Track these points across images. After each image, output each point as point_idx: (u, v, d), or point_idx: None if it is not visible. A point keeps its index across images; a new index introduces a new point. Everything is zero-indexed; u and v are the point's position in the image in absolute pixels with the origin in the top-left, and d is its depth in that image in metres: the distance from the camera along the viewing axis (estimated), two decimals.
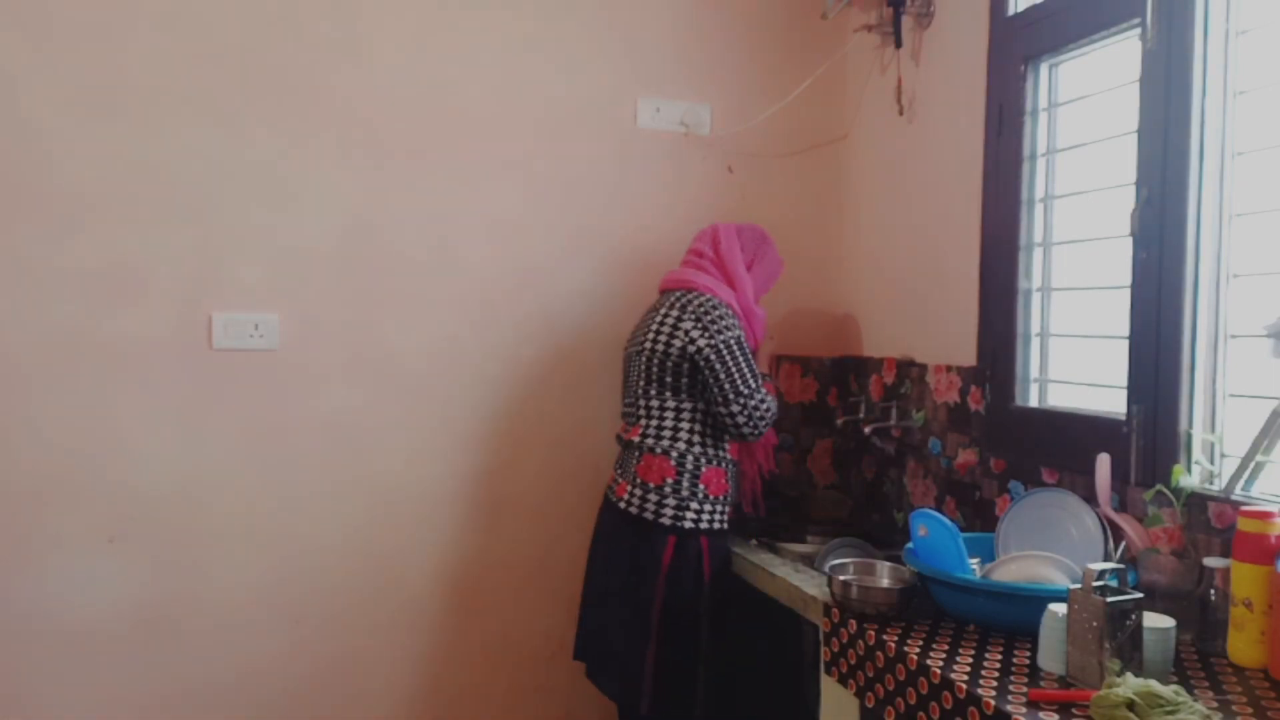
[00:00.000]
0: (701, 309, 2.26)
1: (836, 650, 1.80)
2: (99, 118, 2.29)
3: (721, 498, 2.31)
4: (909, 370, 2.62)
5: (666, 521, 2.23)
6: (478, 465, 2.64)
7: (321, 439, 2.49)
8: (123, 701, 2.36)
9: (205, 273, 2.39)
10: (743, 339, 2.28)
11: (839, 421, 2.82)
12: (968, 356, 2.39)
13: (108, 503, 2.33)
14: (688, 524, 2.24)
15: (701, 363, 2.24)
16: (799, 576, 2.08)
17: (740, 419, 2.25)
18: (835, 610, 1.81)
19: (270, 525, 2.46)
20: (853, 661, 1.74)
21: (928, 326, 2.56)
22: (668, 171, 2.76)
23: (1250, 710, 1.35)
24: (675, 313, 2.28)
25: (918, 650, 1.59)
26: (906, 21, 2.61)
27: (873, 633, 1.68)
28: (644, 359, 2.31)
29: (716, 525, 2.30)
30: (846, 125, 2.91)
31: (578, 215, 2.68)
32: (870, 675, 1.68)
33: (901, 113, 2.64)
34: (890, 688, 1.61)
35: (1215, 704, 1.37)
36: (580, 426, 2.70)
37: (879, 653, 1.65)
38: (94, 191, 2.29)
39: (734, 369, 2.23)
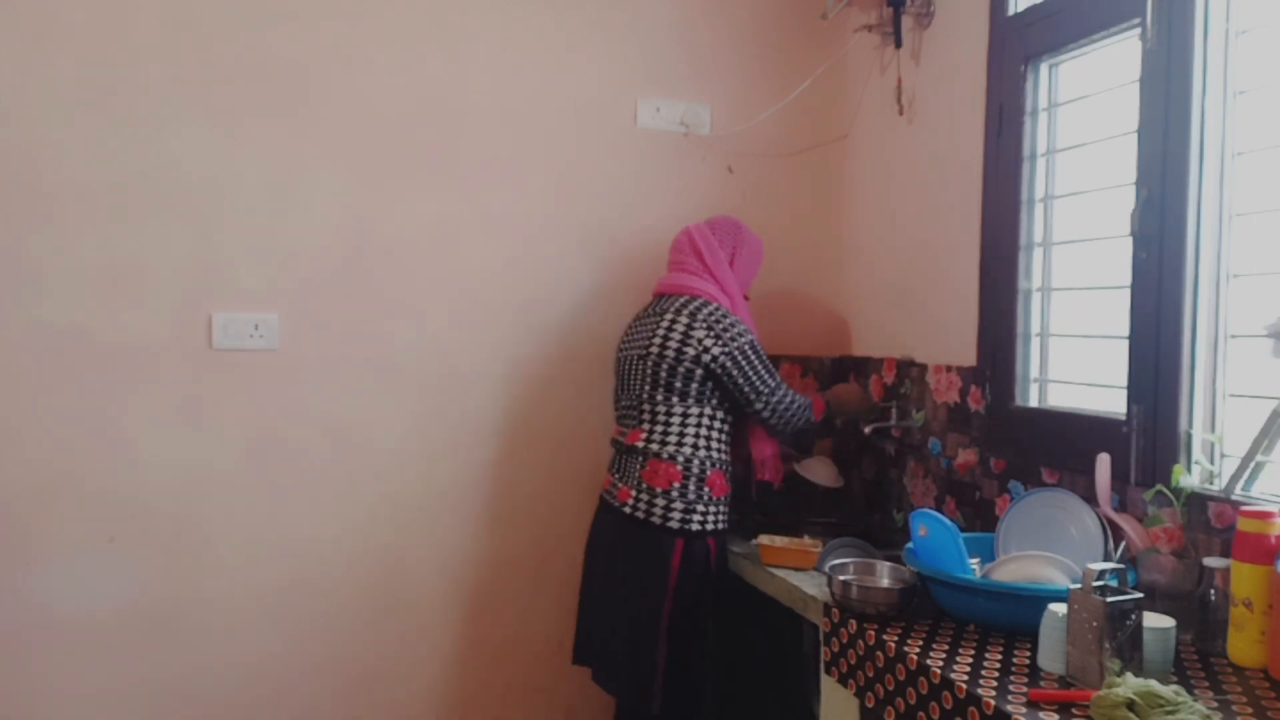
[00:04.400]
0: (712, 318, 2.30)
1: (836, 650, 1.80)
2: (99, 117, 2.29)
3: (724, 499, 2.35)
4: (909, 370, 2.62)
5: (674, 525, 2.26)
6: (478, 465, 2.64)
7: (321, 439, 2.49)
8: (123, 701, 2.36)
9: (205, 273, 2.39)
10: (755, 342, 2.34)
11: (838, 421, 2.82)
12: (968, 356, 2.39)
13: (108, 503, 2.34)
14: (694, 526, 2.28)
15: (719, 370, 2.29)
16: (799, 576, 2.08)
17: (765, 414, 2.35)
18: (835, 610, 1.81)
19: (270, 525, 2.46)
20: (853, 661, 1.74)
21: (928, 326, 2.56)
22: (668, 171, 2.76)
23: (1250, 710, 1.35)
24: (685, 319, 2.30)
25: (918, 650, 1.59)
26: (906, 21, 2.61)
27: (873, 633, 1.68)
28: (649, 363, 2.32)
29: (721, 526, 2.34)
30: (846, 125, 2.91)
31: (578, 215, 2.68)
32: (870, 675, 1.68)
33: (901, 113, 2.64)
34: (890, 688, 1.61)
35: (1215, 704, 1.37)
36: (581, 426, 2.70)
37: (879, 653, 1.65)
38: (94, 191, 2.29)
39: (751, 373, 2.31)
